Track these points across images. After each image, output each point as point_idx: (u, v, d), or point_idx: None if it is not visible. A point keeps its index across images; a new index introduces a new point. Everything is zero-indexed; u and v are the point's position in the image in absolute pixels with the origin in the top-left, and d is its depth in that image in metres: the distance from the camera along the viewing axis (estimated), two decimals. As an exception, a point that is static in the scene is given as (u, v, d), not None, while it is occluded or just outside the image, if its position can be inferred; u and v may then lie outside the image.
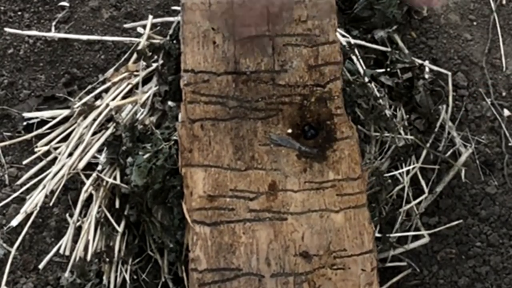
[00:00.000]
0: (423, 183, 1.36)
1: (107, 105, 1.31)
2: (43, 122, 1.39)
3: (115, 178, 1.23)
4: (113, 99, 1.34)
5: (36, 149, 1.34)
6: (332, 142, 1.14)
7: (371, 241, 1.09)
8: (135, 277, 1.23)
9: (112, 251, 1.22)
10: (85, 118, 1.33)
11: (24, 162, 1.36)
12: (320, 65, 1.17)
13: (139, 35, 1.46)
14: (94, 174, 1.25)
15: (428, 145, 1.39)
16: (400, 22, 1.51)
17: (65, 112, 1.37)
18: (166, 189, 1.17)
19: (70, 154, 1.30)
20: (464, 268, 1.35)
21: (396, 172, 1.33)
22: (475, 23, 1.59)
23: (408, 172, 1.34)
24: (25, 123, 1.41)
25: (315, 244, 1.08)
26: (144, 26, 1.44)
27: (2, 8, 1.54)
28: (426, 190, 1.35)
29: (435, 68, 1.49)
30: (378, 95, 1.36)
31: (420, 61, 1.48)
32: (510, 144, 1.47)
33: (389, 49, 1.46)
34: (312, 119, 1.15)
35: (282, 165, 1.11)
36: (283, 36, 1.18)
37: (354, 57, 1.40)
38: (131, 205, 1.22)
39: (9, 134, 1.41)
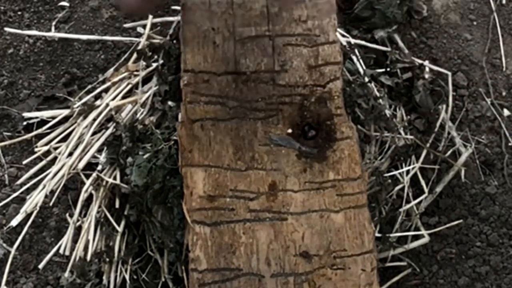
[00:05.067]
0: (423, 183, 1.36)
1: (107, 105, 1.31)
2: (43, 122, 1.39)
3: (115, 178, 1.23)
4: (113, 99, 1.33)
5: (36, 149, 1.34)
6: (332, 142, 1.14)
7: (371, 241, 1.09)
8: (135, 277, 1.23)
9: (112, 251, 1.22)
10: (85, 118, 1.33)
11: (24, 162, 1.36)
12: (320, 65, 1.17)
13: (139, 35, 1.46)
14: (94, 174, 1.25)
15: (428, 145, 1.39)
16: (400, 22, 1.51)
17: (65, 112, 1.37)
18: (166, 189, 1.17)
19: (70, 154, 1.30)
20: (464, 268, 1.35)
21: (396, 172, 1.33)
22: (475, 23, 1.59)
23: (408, 172, 1.34)
24: (25, 123, 1.41)
25: (315, 244, 1.08)
26: (144, 26, 1.44)
27: (2, 8, 1.54)
28: (426, 190, 1.35)
29: (435, 68, 1.49)
30: (378, 95, 1.36)
31: (420, 61, 1.48)
32: (510, 144, 1.47)
33: (389, 49, 1.46)
34: (312, 119, 1.15)
35: (282, 165, 1.11)
36: (283, 36, 1.18)
37: (354, 57, 1.40)
38: (131, 205, 1.22)
39: (9, 134, 1.41)
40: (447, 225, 1.35)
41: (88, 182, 1.25)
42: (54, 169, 1.29)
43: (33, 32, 1.50)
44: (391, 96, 1.42)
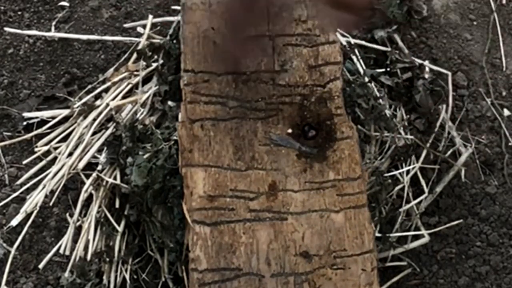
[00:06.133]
0: (423, 183, 1.36)
1: (107, 105, 1.31)
2: (43, 122, 1.39)
3: (115, 178, 1.23)
4: (113, 99, 1.33)
5: (36, 149, 1.34)
6: (332, 142, 1.14)
7: (371, 241, 1.09)
8: (135, 277, 1.23)
9: (112, 251, 1.22)
10: (85, 118, 1.33)
11: (24, 162, 1.36)
12: (320, 65, 1.17)
13: (139, 35, 1.46)
14: (94, 174, 1.25)
15: (428, 145, 1.39)
16: (400, 22, 1.51)
17: (65, 112, 1.37)
18: (166, 189, 1.17)
19: (70, 154, 1.30)
20: (464, 268, 1.35)
21: (396, 172, 1.33)
22: (475, 23, 1.59)
23: (408, 172, 1.34)
24: (25, 123, 1.41)
25: (315, 244, 1.08)
26: (144, 26, 1.44)
27: (2, 8, 1.54)
28: (426, 190, 1.35)
29: (435, 68, 1.49)
30: (378, 95, 1.36)
31: (420, 61, 1.48)
32: (510, 144, 1.47)
33: (389, 49, 1.46)
34: (312, 119, 1.15)
35: (282, 165, 1.11)
36: (283, 36, 1.18)
37: (354, 57, 1.40)
38: (131, 205, 1.22)
39: (9, 134, 1.41)
40: (447, 225, 1.35)
41: (88, 182, 1.25)
42: (54, 169, 1.29)
43: (33, 32, 1.50)
44: (391, 96, 1.42)
